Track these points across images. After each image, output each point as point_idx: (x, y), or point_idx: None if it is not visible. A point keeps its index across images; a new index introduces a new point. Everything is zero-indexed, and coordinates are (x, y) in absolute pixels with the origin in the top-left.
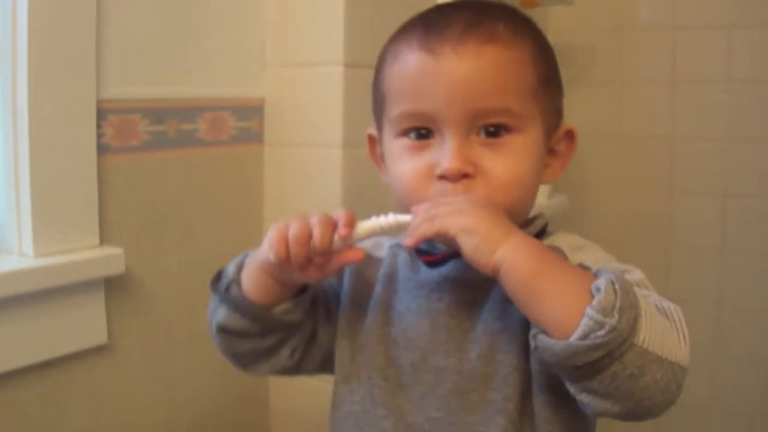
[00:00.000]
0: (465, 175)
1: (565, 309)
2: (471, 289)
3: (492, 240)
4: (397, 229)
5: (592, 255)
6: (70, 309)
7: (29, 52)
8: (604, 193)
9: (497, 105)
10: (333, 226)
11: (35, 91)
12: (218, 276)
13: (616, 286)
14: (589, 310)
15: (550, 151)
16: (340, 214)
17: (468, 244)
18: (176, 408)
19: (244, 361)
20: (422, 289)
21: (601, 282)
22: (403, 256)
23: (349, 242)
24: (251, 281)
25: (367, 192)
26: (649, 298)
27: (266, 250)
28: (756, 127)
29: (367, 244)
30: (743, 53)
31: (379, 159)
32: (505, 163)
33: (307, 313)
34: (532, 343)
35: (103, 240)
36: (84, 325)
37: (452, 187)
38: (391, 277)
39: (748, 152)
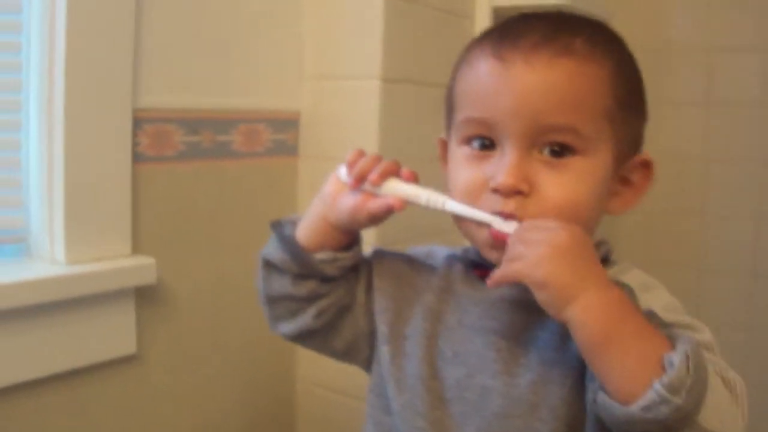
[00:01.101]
0: (519, 192)
1: (633, 376)
2: (528, 312)
3: (563, 297)
4: (442, 211)
5: (661, 299)
6: (100, 318)
7: (66, 60)
8: (635, 213)
9: (564, 122)
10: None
11: (72, 99)
12: (280, 219)
13: (691, 363)
14: (657, 385)
15: (623, 180)
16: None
17: (540, 297)
18: (203, 420)
19: (276, 310)
20: (477, 306)
21: (676, 357)
22: (458, 268)
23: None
24: (305, 219)
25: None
26: (715, 365)
27: (331, 176)
28: None
29: (419, 252)
30: None
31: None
32: (563, 185)
33: (344, 276)
34: (590, 396)
35: (136, 249)
36: (113, 334)
37: (503, 202)
38: (445, 289)
39: None
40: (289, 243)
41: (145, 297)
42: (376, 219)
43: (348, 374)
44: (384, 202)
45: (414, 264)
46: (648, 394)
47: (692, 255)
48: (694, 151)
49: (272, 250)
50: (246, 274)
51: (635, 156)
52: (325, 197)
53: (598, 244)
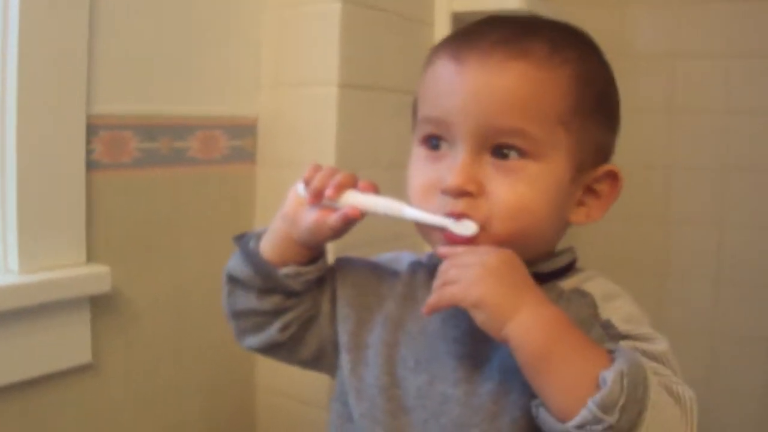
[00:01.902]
0: (467, 193)
1: (568, 394)
2: None
3: (500, 316)
4: (400, 218)
5: (623, 309)
6: (54, 327)
7: (19, 65)
8: (600, 220)
9: (512, 125)
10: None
11: (24, 105)
12: (243, 234)
13: (625, 381)
14: (590, 403)
15: (588, 190)
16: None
17: (478, 318)
18: (161, 427)
19: (242, 324)
20: (440, 313)
21: (609, 375)
22: (422, 275)
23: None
24: (268, 237)
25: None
26: (665, 378)
27: (290, 192)
28: (753, 157)
29: (385, 258)
30: (742, 83)
31: None
32: (512, 188)
33: (309, 290)
34: (533, 410)
35: (90, 258)
36: (68, 343)
37: (453, 203)
38: (407, 296)
39: (744, 183)
40: (253, 258)
41: (100, 306)
42: (338, 232)
43: (308, 383)
44: (341, 214)
45: (378, 271)
46: (582, 413)
47: (655, 261)
48: (657, 158)
49: (236, 264)
50: (203, 281)
51: (601, 166)
52: (286, 216)
53: (564, 251)
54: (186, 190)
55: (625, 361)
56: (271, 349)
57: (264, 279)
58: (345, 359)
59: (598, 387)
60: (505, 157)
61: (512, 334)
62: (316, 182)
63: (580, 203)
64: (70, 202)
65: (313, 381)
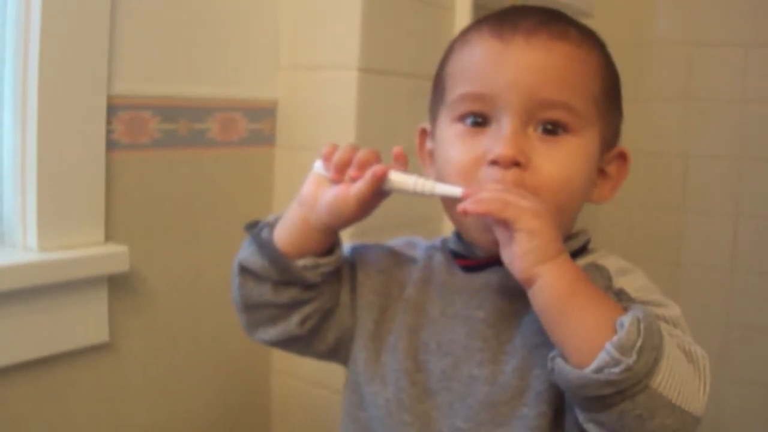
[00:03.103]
0: (516, 164)
1: (587, 339)
2: (512, 299)
3: (546, 251)
4: (430, 196)
5: (636, 281)
6: (72, 305)
7: (41, 45)
8: (615, 208)
9: (560, 98)
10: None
11: (45, 84)
12: (255, 222)
13: (641, 326)
14: (608, 345)
15: (600, 171)
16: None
17: (523, 245)
18: (175, 409)
19: (254, 317)
20: (461, 295)
21: (627, 319)
22: (438, 259)
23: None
24: (283, 224)
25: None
26: (678, 339)
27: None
28: None
29: (399, 243)
30: (759, 72)
31: (426, 155)
32: (559, 162)
33: (327, 281)
34: (549, 365)
35: (109, 237)
36: (86, 322)
37: (502, 174)
38: (426, 280)
39: (761, 172)
40: (268, 248)
41: (118, 285)
42: (364, 201)
43: (324, 367)
44: (369, 177)
45: (396, 257)
46: (600, 356)
47: (671, 250)
48: (674, 147)
49: (249, 255)
50: (221, 263)
51: (616, 147)
52: (304, 199)
53: (578, 233)
54: (205, 171)
55: (640, 310)
56: (286, 342)
57: (280, 271)
58: (368, 346)
59: (615, 332)
60: (550, 131)
61: (547, 273)
62: (339, 156)
63: (594, 184)
64: (90, 182)
65: (329, 365)
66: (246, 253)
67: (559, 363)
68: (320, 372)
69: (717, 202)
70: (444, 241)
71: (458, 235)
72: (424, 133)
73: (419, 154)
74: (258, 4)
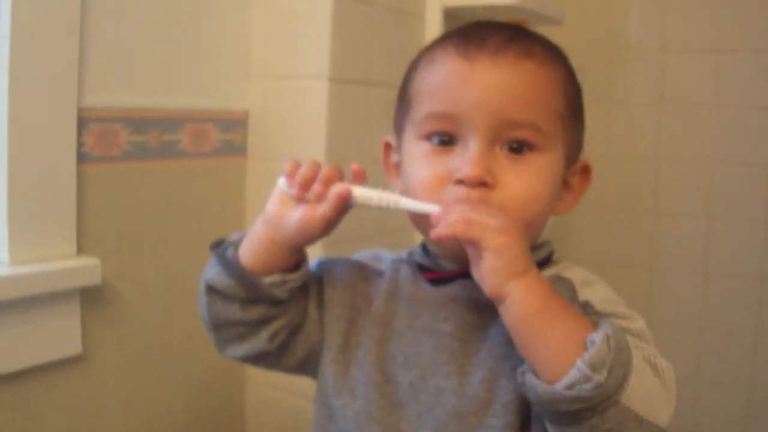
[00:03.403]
0: (483, 184)
1: (558, 355)
2: (478, 311)
3: (513, 268)
4: (395, 210)
5: (600, 293)
6: (44, 318)
7: (11, 57)
8: (588, 212)
9: (526, 118)
10: (340, 174)
11: (16, 97)
12: (219, 241)
13: (611, 342)
14: (579, 362)
15: (565, 183)
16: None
17: (490, 263)
18: (151, 420)
19: (223, 335)
20: (427, 308)
21: (598, 336)
22: (405, 272)
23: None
24: (249, 242)
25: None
26: (644, 351)
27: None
28: (741, 150)
29: (365, 256)
30: (730, 77)
31: (392, 168)
32: (525, 180)
33: (294, 297)
34: (518, 378)
35: (81, 250)
36: (58, 335)
37: (467, 192)
38: (393, 293)
39: (732, 175)
40: (234, 268)
41: (90, 297)
42: (329, 223)
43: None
44: (333, 197)
45: (362, 270)
46: (571, 372)
47: (644, 254)
48: (646, 151)
49: (215, 275)
50: (193, 274)
51: (579, 160)
52: (269, 217)
53: (542, 245)
54: (176, 183)
55: (609, 326)
56: (256, 358)
57: (247, 289)
58: (337, 360)
59: (585, 349)
60: (517, 150)
61: (515, 289)
62: (302, 174)
63: (557, 196)
64: (61, 195)
65: None
66: (212, 272)
67: (530, 378)
68: (294, 380)
69: (690, 205)
70: (410, 254)
71: (424, 248)
72: (388, 146)
73: (384, 167)
74: (228, 15)
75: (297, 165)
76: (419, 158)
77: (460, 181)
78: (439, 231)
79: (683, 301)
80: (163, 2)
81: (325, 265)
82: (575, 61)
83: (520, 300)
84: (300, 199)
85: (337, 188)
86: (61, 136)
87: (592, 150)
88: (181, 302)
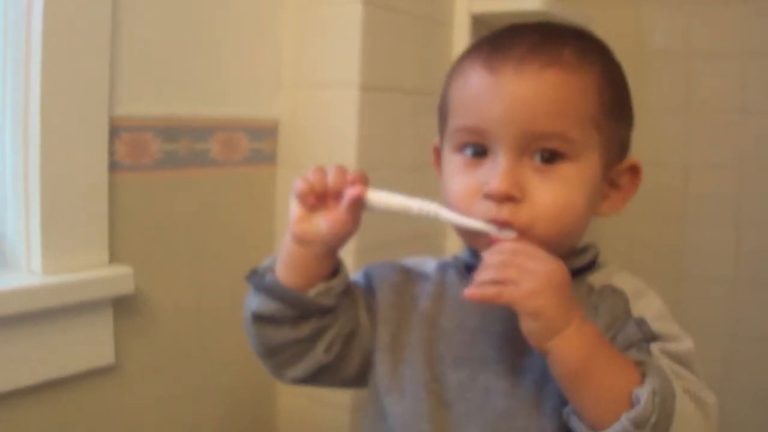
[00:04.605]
0: (511, 198)
1: (602, 408)
2: None
3: (551, 328)
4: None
5: (653, 306)
6: (77, 328)
7: (43, 66)
8: (616, 219)
9: (553, 129)
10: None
11: (48, 106)
12: (254, 271)
13: (657, 399)
14: (624, 419)
15: (611, 183)
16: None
17: (528, 326)
18: (182, 430)
19: (280, 359)
20: (477, 308)
21: (643, 394)
22: (452, 274)
23: (368, 204)
24: (283, 262)
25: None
26: (688, 382)
27: (290, 209)
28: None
29: (410, 261)
30: (757, 82)
31: (441, 171)
32: (554, 191)
33: (341, 303)
34: (564, 416)
35: (113, 259)
36: (91, 344)
37: (497, 208)
38: (440, 294)
39: (761, 182)
40: (278, 290)
41: (123, 307)
42: (355, 220)
43: None
44: (348, 198)
45: (407, 272)
46: (615, 426)
47: (672, 261)
48: (674, 158)
49: (260, 303)
50: (225, 283)
51: (623, 160)
52: (297, 237)
53: (586, 248)
54: (207, 191)
55: (656, 376)
56: (316, 375)
57: (296, 307)
58: (385, 359)
59: (630, 402)
60: (546, 161)
61: (556, 348)
62: (310, 185)
63: (605, 196)
64: (93, 204)
65: None
66: (256, 302)
67: (575, 421)
68: (325, 390)
69: (718, 212)
70: (456, 258)
71: (471, 249)
72: (436, 150)
73: (436, 170)
74: (259, 24)
75: (307, 182)
76: (454, 170)
77: (488, 195)
78: (472, 293)
79: (711, 309)
80: (194, 11)
81: (370, 271)
82: None
83: (561, 358)
84: (317, 207)
85: (349, 190)
86: (93, 144)
87: None
88: (212, 310)
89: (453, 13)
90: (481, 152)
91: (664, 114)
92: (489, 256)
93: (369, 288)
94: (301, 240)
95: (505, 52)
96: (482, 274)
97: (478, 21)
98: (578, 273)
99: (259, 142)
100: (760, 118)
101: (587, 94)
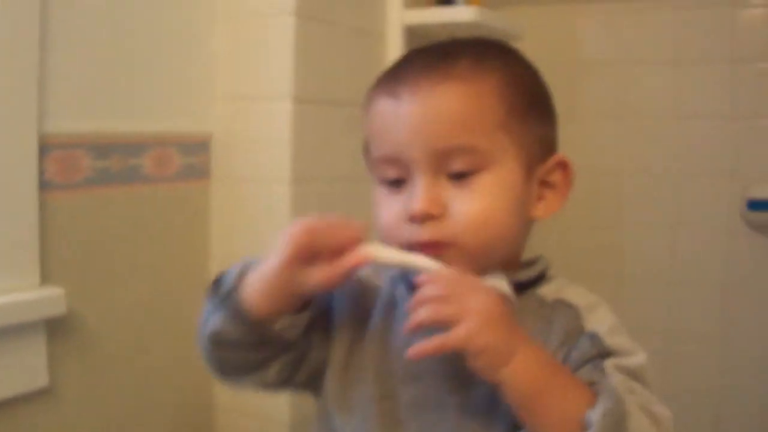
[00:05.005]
0: (432, 216)
1: (556, 431)
2: None
3: (498, 362)
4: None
5: (606, 320)
6: (8, 351)
7: None
8: (554, 227)
9: (458, 143)
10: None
11: None
12: (216, 283)
13: (608, 421)
14: None
15: (543, 183)
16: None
17: (475, 364)
18: None
19: (229, 371)
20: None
21: (595, 416)
22: (402, 290)
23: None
24: (256, 286)
25: None
26: (642, 397)
27: (282, 247)
28: (704, 161)
29: (365, 272)
30: (690, 89)
31: None
32: (473, 203)
33: (303, 333)
34: None
35: (44, 280)
36: (24, 368)
37: (420, 230)
38: (391, 310)
39: (696, 187)
40: (244, 316)
41: (56, 329)
42: (345, 280)
43: (269, 400)
44: (351, 264)
45: (363, 285)
46: None
47: (610, 266)
48: (609, 164)
49: (221, 324)
50: (161, 300)
51: (550, 158)
52: (280, 280)
53: (535, 261)
54: (140, 208)
55: (608, 398)
56: (263, 389)
57: (259, 336)
58: (336, 377)
59: (582, 425)
60: (459, 175)
61: (505, 379)
62: (333, 238)
63: (540, 197)
64: (23, 224)
65: (274, 399)
66: (216, 322)
67: None
68: (265, 407)
69: (654, 217)
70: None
71: None
72: None
73: None
74: (191, 37)
75: (308, 234)
76: (380, 201)
77: (410, 219)
78: (415, 352)
79: (650, 311)
80: (125, 25)
81: None
82: None
83: (512, 387)
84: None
85: (353, 259)
86: (23, 163)
87: None
88: (148, 329)
89: (386, 25)
90: (400, 180)
91: (600, 120)
92: (425, 289)
93: (328, 300)
94: (283, 284)
95: (401, 77)
96: (420, 312)
97: (411, 32)
98: (528, 286)
99: (192, 156)
100: (693, 123)
101: (488, 102)
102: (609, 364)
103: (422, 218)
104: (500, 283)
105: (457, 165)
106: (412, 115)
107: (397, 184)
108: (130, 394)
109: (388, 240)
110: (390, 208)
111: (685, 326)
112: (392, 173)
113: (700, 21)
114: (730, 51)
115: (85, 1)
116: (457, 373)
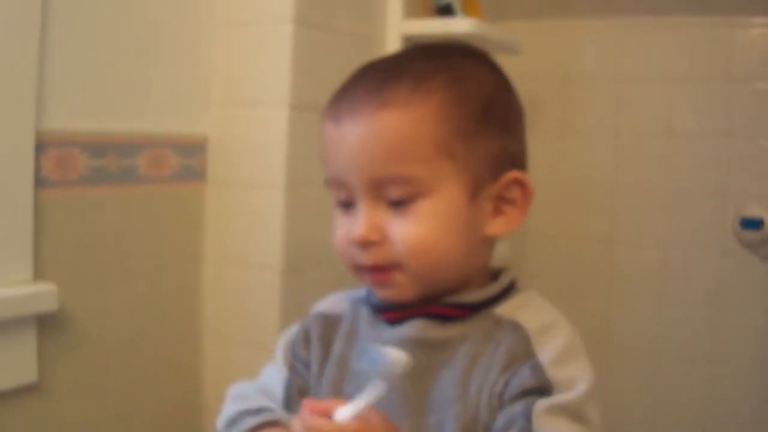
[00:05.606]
0: (372, 242)
1: None
2: (429, 352)
3: None
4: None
5: (557, 344)
6: None
7: None
8: (546, 241)
9: (392, 172)
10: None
11: None
12: None
13: None
14: None
15: (500, 199)
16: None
17: None
18: None
19: None
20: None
21: None
22: (364, 313)
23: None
24: None
25: (308, 233)
26: None
27: None
28: (694, 179)
29: (325, 304)
30: (683, 107)
31: None
32: (411, 228)
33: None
34: None
35: (37, 276)
36: (14, 362)
37: (362, 254)
38: (351, 334)
39: (686, 204)
40: None
41: (47, 324)
42: None
43: None
44: None
45: (327, 320)
46: None
47: (600, 282)
48: (602, 179)
49: None
50: (152, 300)
51: (506, 174)
52: None
53: (500, 274)
54: (135, 208)
55: None
56: None
57: None
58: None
59: None
60: (397, 202)
61: None
62: None
63: (498, 213)
64: (18, 219)
65: None
66: None
67: None
68: None
69: (645, 234)
70: (369, 292)
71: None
72: None
73: None
74: (189, 40)
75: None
76: (335, 222)
77: (352, 243)
78: None
79: (638, 328)
80: (124, 27)
81: (308, 326)
82: (532, 90)
83: None
84: None
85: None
86: (19, 160)
87: (547, 178)
88: (139, 329)
89: (385, 33)
90: (349, 202)
91: (594, 135)
92: (321, 422)
93: (306, 345)
94: None
95: (345, 100)
96: None
97: (409, 41)
98: (486, 304)
99: (188, 158)
100: (687, 141)
101: (426, 126)
102: (541, 406)
103: (362, 244)
104: (398, 356)
105: (394, 193)
106: (350, 142)
107: (347, 206)
108: (119, 392)
109: (341, 259)
110: (341, 228)
111: (674, 343)
112: (341, 195)
113: (697, 40)
114: (726, 70)
115: (84, 1)
116: (410, 399)
